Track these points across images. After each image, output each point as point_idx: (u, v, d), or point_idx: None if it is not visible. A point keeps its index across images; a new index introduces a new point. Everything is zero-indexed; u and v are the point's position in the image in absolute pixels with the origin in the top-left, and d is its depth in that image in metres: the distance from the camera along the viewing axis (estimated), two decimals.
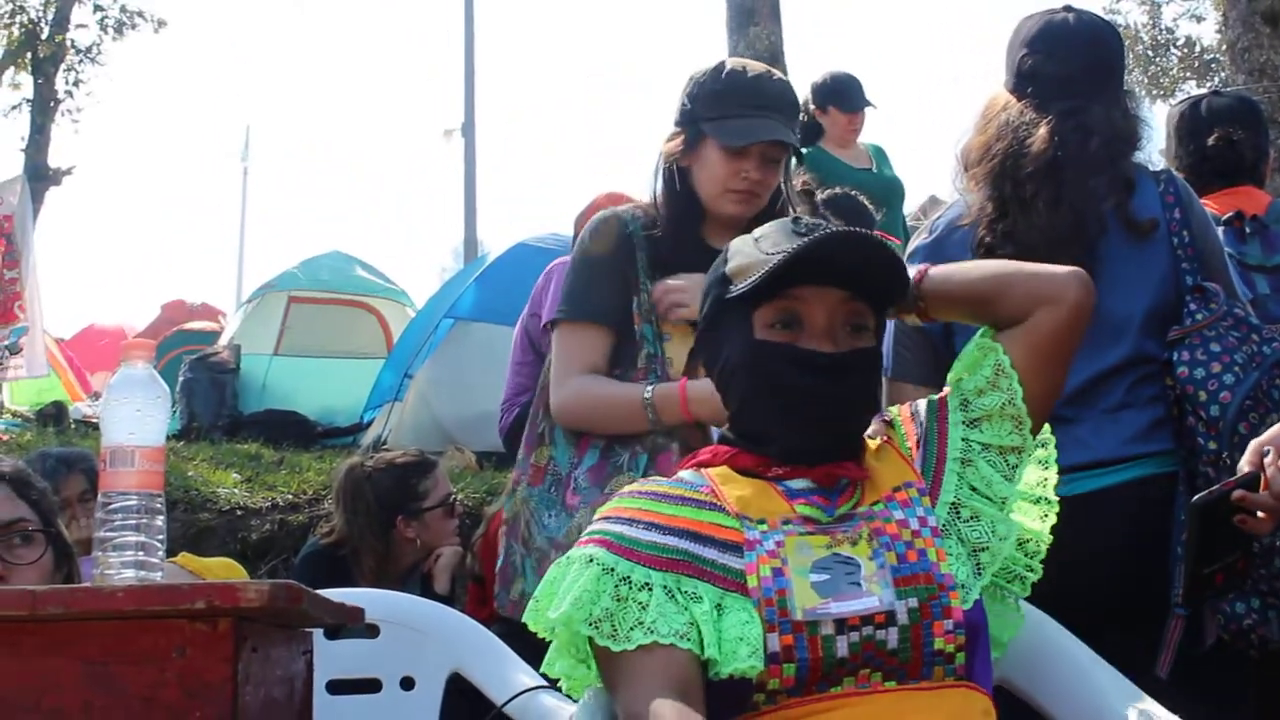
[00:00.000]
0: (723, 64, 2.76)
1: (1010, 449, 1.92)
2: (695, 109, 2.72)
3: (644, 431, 2.61)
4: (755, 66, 2.77)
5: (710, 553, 1.78)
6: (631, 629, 1.71)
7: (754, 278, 1.84)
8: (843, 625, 1.70)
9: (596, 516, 1.88)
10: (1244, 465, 2.07)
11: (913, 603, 1.74)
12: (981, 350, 1.95)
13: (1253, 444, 2.08)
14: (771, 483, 1.86)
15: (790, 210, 2.76)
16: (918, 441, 1.94)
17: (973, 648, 1.76)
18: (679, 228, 2.72)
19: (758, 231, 1.96)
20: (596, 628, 1.72)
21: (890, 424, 1.99)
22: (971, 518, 1.87)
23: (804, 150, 2.81)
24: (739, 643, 1.70)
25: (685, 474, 1.94)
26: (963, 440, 1.92)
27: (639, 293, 2.69)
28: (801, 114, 3.58)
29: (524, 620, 1.83)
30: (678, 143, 2.73)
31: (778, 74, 2.79)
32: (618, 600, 1.73)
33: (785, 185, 2.80)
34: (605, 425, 2.66)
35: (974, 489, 1.89)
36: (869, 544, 1.78)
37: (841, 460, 1.87)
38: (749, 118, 2.67)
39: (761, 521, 1.80)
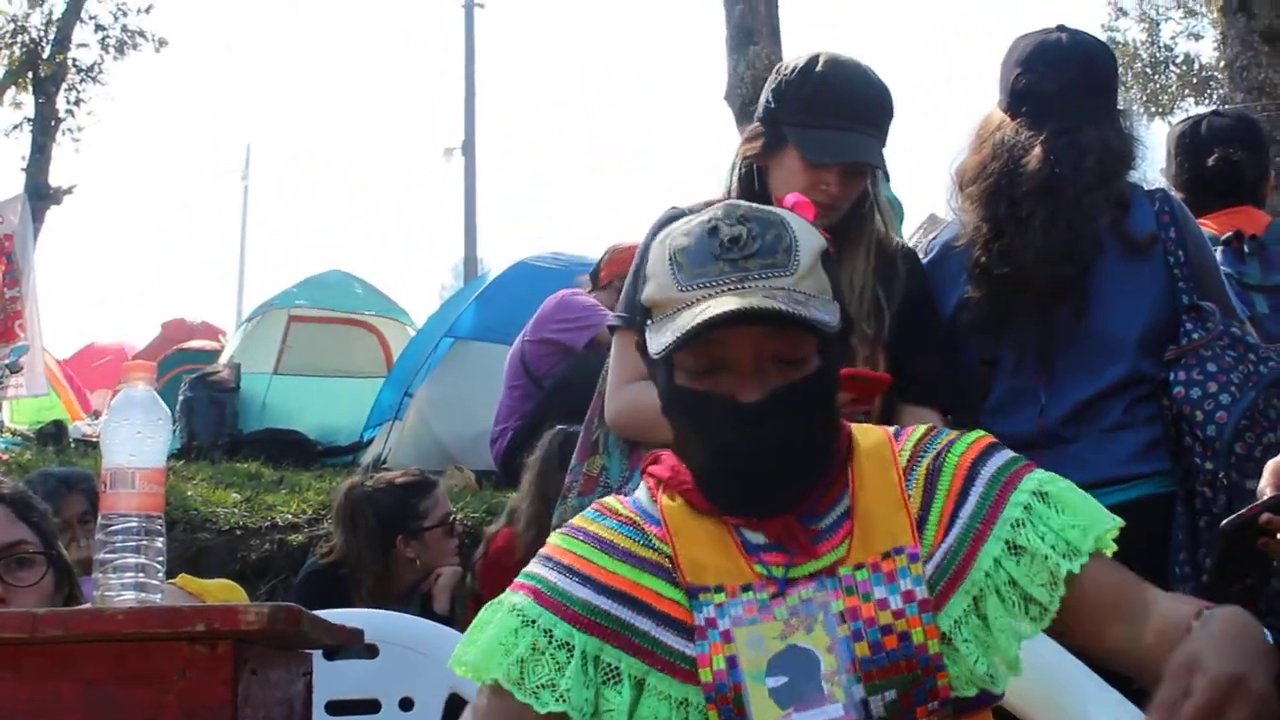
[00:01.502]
0: (814, 63, 2.55)
1: (1033, 600, 1.63)
2: (780, 110, 2.57)
3: None
4: (849, 70, 2.56)
5: (644, 623, 1.64)
6: (542, 687, 1.60)
7: (668, 339, 1.62)
8: None
9: (540, 551, 1.74)
10: (1265, 488, 2.06)
11: (890, 695, 1.57)
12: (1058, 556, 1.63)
13: (1271, 465, 2.08)
14: (730, 531, 1.68)
15: (876, 218, 2.62)
16: (952, 516, 1.67)
17: (961, 705, 1.63)
18: None
19: (677, 243, 1.68)
20: (506, 674, 1.61)
21: (939, 471, 1.70)
22: (965, 641, 1.62)
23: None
24: None
25: (642, 499, 1.78)
26: (994, 562, 1.63)
27: None
28: None
29: (450, 664, 1.69)
30: (758, 143, 2.59)
31: (874, 78, 2.58)
32: (534, 652, 1.62)
33: (872, 189, 2.63)
34: (662, 435, 2.52)
35: (983, 620, 1.62)
36: (825, 631, 1.60)
37: (789, 507, 1.67)
38: (836, 130, 2.51)
39: (719, 589, 1.63)
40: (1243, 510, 2.07)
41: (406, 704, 2.56)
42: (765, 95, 2.62)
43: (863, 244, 2.58)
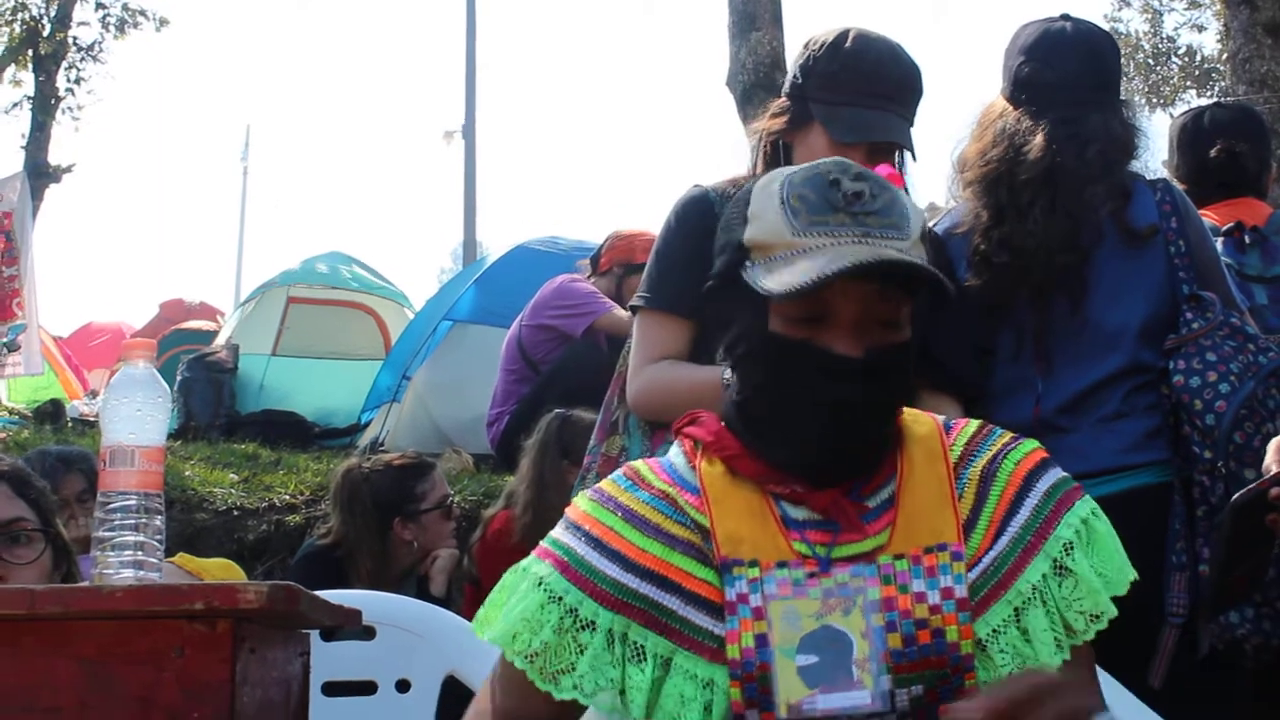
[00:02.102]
0: (844, 38, 2.51)
1: (1068, 625, 1.64)
2: (807, 85, 2.53)
3: None
4: (879, 47, 2.52)
5: (673, 602, 1.62)
6: (560, 672, 1.60)
7: (781, 285, 1.58)
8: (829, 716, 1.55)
9: (567, 516, 1.72)
10: (1271, 465, 2.06)
11: (917, 690, 1.56)
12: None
13: (1275, 442, 2.08)
14: (770, 502, 1.65)
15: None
16: (1002, 523, 1.66)
17: None
18: None
19: (789, 183, 1.66)
20: (530, 661, 1.61)
21: (993, 476, 1.69)
22: (1001, 651, 1.60)
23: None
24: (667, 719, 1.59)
25: (678, 463, 1.73)
26: (1041, 577, 1.63)
27: None
28: None
29: (472, 627, 1.72)
30: (783, 119, 2.55)
31: (905, 55, 2.54)
32: (558, 634, 1.61)
33: (900, 171, 2.57)
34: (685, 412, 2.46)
35: (1023, 633, 1.62)
36: (862, 616, 1.58)
37: (854, 475, 1.66)
38: (864, 108, 2.47)
39: (753, 564, 1.61)
40: (1252, 484, 2.07)
41: (403, 685, 2.57)
42: (793, 70, 2.59)
43: None
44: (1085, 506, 1.68)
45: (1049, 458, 1.73)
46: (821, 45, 2.53)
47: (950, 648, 1.57)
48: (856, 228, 1.61)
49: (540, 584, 1.64)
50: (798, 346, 1.62)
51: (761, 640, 1.57)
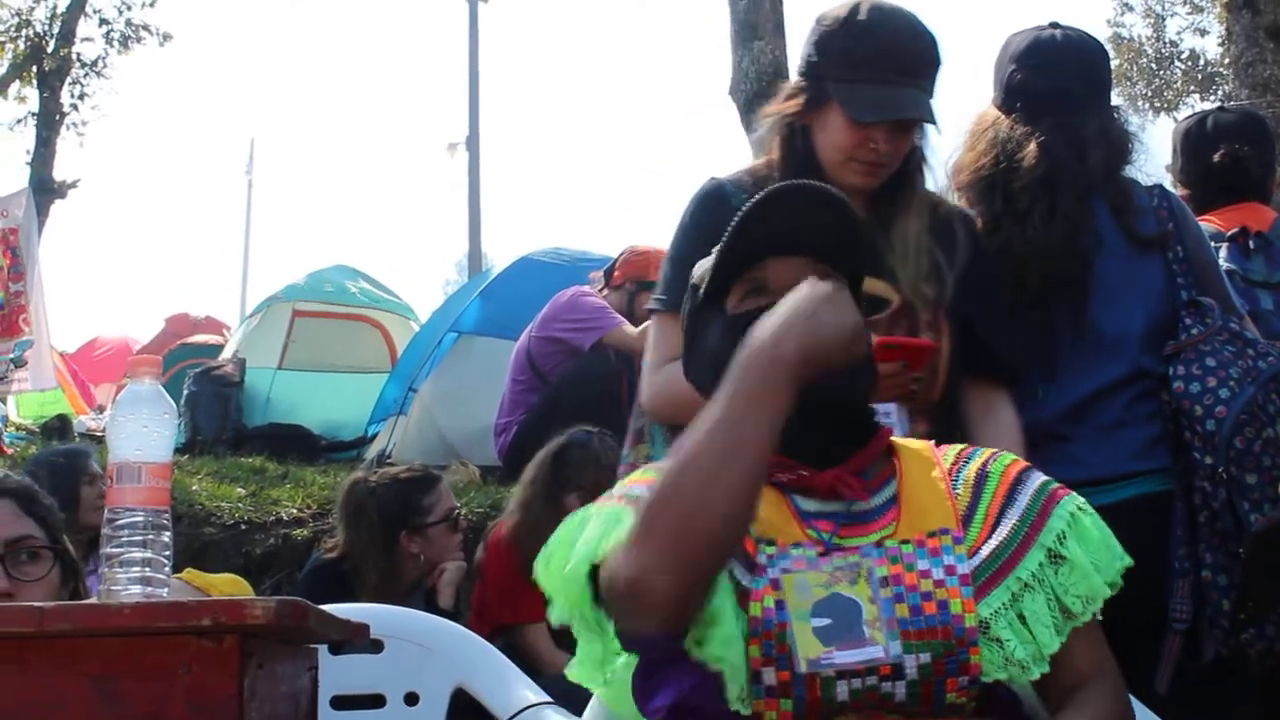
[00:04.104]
0: (856, 11, 2.40)
1: (1066, 610, 1.73)
2: (822, 64, 2.42)
3: None
4: (893, 18, 2.40)
5: None
6: None
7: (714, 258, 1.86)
8: (844, 671, 1.63)
9: (625, 480, 1.84)
10: None
11: (924, 658, 1.64)
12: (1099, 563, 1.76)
13: None
14: (784, 494, 1.78)
15: (922, 175, 2.51)
16: (997, 519, 1.78)
17: (987, 704, 1.68)
18: None
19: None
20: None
21: (986, 477, 1.82)
22: (995, 640, 1.69)
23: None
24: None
25: None
26: (1039, 565, 1.74)
27: None
28: None
29: (534, 574, 1.75)
30: (799, 100, 2.45)
31: (920, 25, 2.42)
32: None
33: (920, 145, 2.49)
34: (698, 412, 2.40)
35: (1021, 617, 1.71)
36: (869, 585, 1.68)
37: (839, 446, 1.79)
38: (883, 84, 2.36)
39: (771, 543, 1.73)
40: (1273, 514, 2.08)
41: (411, 699, 2.57)
42: (806, 49, 2.49)
43: (913, 203, 2.47)
44: (1073, 502, 1.80)
45: (1031, 466, 1.86)
46: (835, 20, 2.44)
47: (955, 619, 1.66)
48: None
49: (611, 512, 1.72)
50: (749, 314, 1.77)
51: (780, 605, 1.67)
